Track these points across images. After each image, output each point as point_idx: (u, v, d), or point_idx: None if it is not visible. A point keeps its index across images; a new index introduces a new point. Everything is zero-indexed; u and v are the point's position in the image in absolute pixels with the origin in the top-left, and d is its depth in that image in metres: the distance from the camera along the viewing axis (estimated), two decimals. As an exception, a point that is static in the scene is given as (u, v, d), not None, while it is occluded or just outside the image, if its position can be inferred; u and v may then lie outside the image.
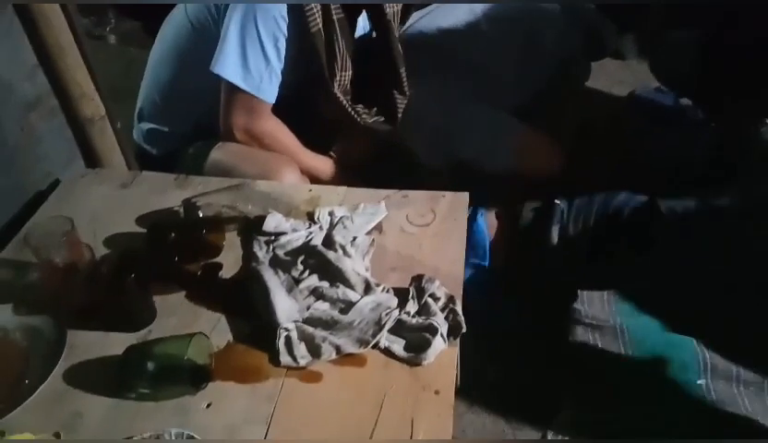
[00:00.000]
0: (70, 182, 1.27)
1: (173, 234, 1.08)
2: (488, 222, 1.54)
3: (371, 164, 1.63)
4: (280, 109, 1.40)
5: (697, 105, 2.09)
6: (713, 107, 1.92)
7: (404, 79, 1.46)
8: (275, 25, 1.27)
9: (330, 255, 1.01)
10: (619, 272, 1.45)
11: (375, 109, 1.49)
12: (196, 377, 0.87)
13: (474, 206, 1.48)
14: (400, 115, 1.51)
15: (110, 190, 1.25)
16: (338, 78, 1.36)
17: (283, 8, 1.27)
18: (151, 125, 1.49)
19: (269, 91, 1.33)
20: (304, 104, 1.45)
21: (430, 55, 1.67)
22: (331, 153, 1.55)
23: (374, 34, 1.46)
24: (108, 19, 2.67)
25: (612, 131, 2.12)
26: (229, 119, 1.34)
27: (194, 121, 1.44)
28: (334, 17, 1.32)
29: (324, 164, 1.50)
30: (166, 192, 1.23)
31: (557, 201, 1.49)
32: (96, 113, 1.31)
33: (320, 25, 1.31)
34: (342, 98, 1.38)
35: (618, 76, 2.46)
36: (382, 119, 1.50)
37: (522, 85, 1.76)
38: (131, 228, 1.15)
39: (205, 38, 1.34)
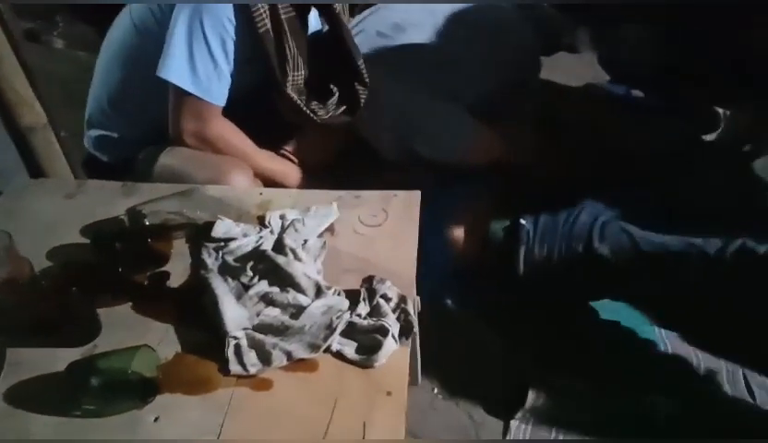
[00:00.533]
0: (13, 193, 1.23)
1: (117, 244, 1.05)
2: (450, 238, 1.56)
3: (329, 162, 1.62)
4: (235, 111, 1.38)
5: (648, 96, 2.14)
6: (663, 98, 1.97)
7: (363, 70, 1.45)
8: (222, 27, 1.25)
9: (280, 259, 0.99)
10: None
11: (334, 104, 1.47)
12: (143, 391, 0.85)
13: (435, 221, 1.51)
14: (361, 107, 1.50)
15: (54, 201, 1.21)
16: (290, 79, 1.35)
17: (230, 10, 1.25)
18: (101, 132, 1.46)
19: (218, 94, 1.31)
20: (260, 105, 1.43)
21: (386, 51, 1.67)
22: (288, 152, 1.53)
23: (325, 29, 1.45)
24: (56, 23, 2.60)
25: (570, 124, 2.15)
26: (178, 124, 1.31)
27: (144, 126, 1.41)
28: (283, 17, 1.31)
29: (280, 165, 1.48)
30: (113, 201, 1.20)
31: (522, 221, 1.50)
32: (38, 122, 1.27)
33: (268, 25, 1.29)
34: (295, 98, 1.36)
35: (573, 69, 2.49)
36: (341, 113, 1.49)
37: (479, 80, 1.77)
38: (76, 239, 1.12)
39: (150, 41, 1.31)
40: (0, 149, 1.27)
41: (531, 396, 1.33)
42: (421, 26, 1.72)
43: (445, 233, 1.58)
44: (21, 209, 1.19)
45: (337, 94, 1.46)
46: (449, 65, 1.71)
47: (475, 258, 1.62)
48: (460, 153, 1.64)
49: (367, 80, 1.47)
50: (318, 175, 1.51)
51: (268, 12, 1.29)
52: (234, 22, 1.28)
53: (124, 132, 1.45)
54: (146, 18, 1.35)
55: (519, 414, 1.30)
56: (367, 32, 1.70)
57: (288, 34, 1.30)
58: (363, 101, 1.49)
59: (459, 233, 1.60)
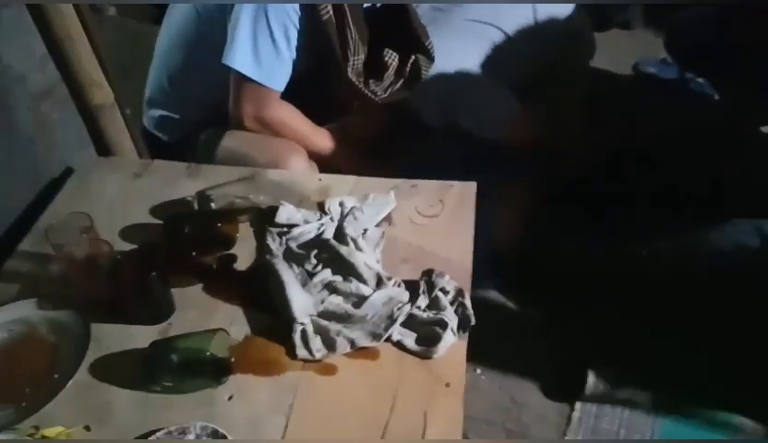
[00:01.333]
0: (83, 171, 1.29)
1: (188, 227, 1.11)
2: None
3: (381, 137, 1.65)
4: (293, 91, 1.41)
5: (705, 80, 2.10)
6: (723, 83, 1.93)
7: (430, 45, 1.48)
8: (286, 16, 1.28)
9: (343, 249, 1.04)
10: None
11: (391, 78, 1.49)
12: (217, 371, 0.91)
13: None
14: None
15: (123, 179, 1.27)
16: (351, 63, 1.37)
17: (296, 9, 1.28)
18: (162, 112, 1.50)
19: (278, 80, 1.34)
20: (318, 85, 1.46)
21: (438, 24, 1.67)
22: (342, 128, 1.55)
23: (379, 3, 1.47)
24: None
25: (616, 103, 2.13)
26: (239, 108, 1.35)
27: (205, 108, 1.45)
28: (345, 4, 1.32)
29: (335, 144, 1.49)
30: (178, 181, 1.25)
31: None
32: (106, 101, 1.32)
33: (331, 12, 1.31)
34: (356, 81, 1.39)
35: (623, 45, 2.45)
36: (400, 87, 1.50)
37: (526, 57, 1.76)
38: (146, 219, 1.18)
39: (212, 26, 1.34)
40: (70, 127, 1.32)
41: (591, 379, 1.36)
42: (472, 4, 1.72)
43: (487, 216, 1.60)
44: (92, 188, 1.25)
45: (394, 67, 1.47)
46: (499, 42, 1.71)
47: (516, 244, 1.65)
48: (501, 129, 1.67)
49: (434, 54, 1.49)
50: (370, 151, 1.55)
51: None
52: (299, 11, 1.30)
53: (185, 113, 1.49)
54: (209, 5, 1.37)
55: (584, 396, 1.35)
56: (422, 7, 1.71)
57: (350, 20, 1.31)
58: (425, 74, 1.50)
59: (502, 216, 1.62)
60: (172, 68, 1.47)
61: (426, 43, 1.48)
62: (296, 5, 1.28)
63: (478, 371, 1.42)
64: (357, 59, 1.37)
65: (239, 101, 1.35)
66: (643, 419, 1.31)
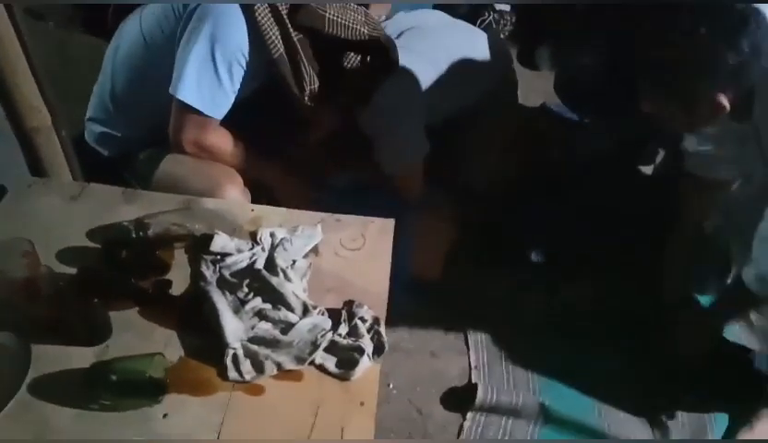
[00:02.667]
0: (18, 191, 1.33)
1: (125, 252, 1.18)
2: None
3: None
4: (251, 107, 1.51)
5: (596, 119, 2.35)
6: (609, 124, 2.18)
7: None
8: (232, 55, 1.38)
9: (273, 280, 1.15)
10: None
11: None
12: (154, 391, 1.00)
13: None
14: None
15: (59, 202, 1.31)
16: (307, 92, 1.49)
17: (243, 39, 1.38)
18: (103, 129, 1.57)
19: (218, 110, 1.44)
20: (275, 103, 1.56)
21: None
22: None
23: None
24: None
25: (526, 138, 2.35)
26: (179, 134, 1.44)
27: (146, 128, 1.52)
28: (295, 39, 1.43)
29: (271, 169, 1.60)
30: (114, 206, 1.31)
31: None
32: (43, 124, 1.36)
33: (282, 50, 1.43)
34: (311, 104, 1.51)
35: (533, 84, 2.68)
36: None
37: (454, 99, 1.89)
38: (83, 242, 1.23)
39: (157, 54, 1.44)
40: (3, 148, 1.35)
41: (480, 391, 1.53)
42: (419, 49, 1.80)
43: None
44: (27, 209, 1.29)
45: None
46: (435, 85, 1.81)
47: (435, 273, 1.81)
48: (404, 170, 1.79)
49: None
50: (305, 174, 1.67)
51: (280, 37, 1.42)
52: (248, 49, 1.40)
53: (126, 132, 1.56)
54: (154, 32, 1.46)
55: (474, 407, 1.51)
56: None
57: (302, 55, 1.43)
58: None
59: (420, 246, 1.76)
60: (116, 91, 1.54)
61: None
62: (243, 45, 1.38)
63: (390, 385, 1.57)
64: (313, 87, 1.48)
65: (180, 127, 1.44)
66: (525, 427, 1.50)
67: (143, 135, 1.53)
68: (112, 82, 1.54)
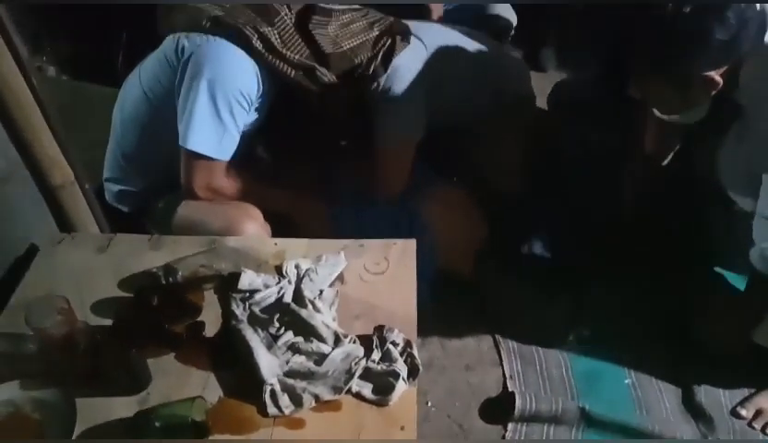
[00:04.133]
0: (47, 248, 1.36)
1: (156, 299, 1.20)
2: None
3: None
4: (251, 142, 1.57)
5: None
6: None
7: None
8: (233, 97, 1.42)
9: (303, 312, 1.16)
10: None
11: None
12: (197, 433, 1.01)
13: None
14: None
15: (87, 254, 1.34)
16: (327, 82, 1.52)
17: (242, 81, 1.42)
18: (120, 187, 1.61)
19: (227, 152, 1.48)
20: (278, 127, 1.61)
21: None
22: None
23: None
24: (43, 46, 2.66)
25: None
26: (191, 181, 1.48)
27: (160, 179, 1.56)
28: (297, 60, 1.49)
29: (282, 197, 1.63)
30: (142, 253, 1.34)
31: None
32: (66, 180, 1.40)
33: (292, 74, 1.48)
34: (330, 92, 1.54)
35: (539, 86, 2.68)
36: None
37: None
38: (115, 292, 1.26)
39: (161, 107, 1.48)
40: (32, 206, 1.39)
41: (518, 402, 1.53)
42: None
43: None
44: (58, 265, 1.32)
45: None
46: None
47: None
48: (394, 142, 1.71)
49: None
50: (318, 192, 1.69)
51: (287, 66, 1.48)
52: (250, 85, 1.45)
53: (141, 186, 1.60)
54: (154, 86, 1.50)
55: (513, 418, 1.51)
56: None
57: (316, 64, 1.49)
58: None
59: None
60: (126, 148, 1.58)
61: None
62: (242, 88, 1.43)
63: (429, 403, 1.57)
64: (331, 79, 1.53)
65: (191, 175, 1.48)
66: (567, 432, 1.50)
67: (158, 185, 1.57)
68: (121, 141, 1.59)
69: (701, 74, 1.25)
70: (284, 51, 1.47)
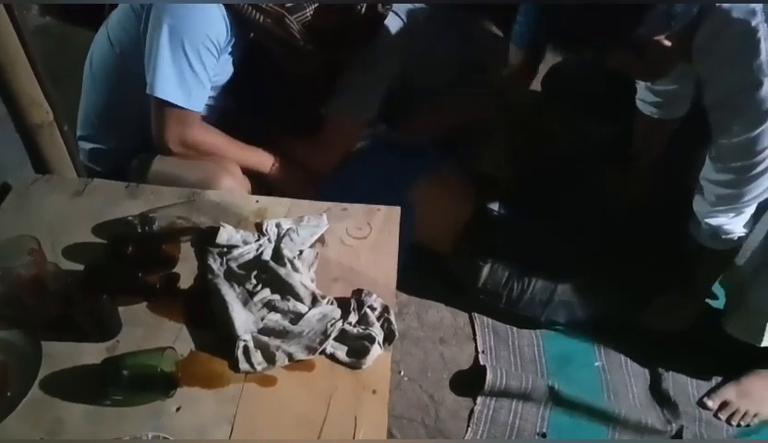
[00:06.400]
0: (22, 188, 1.32)
1: (131, 248, 1.17)
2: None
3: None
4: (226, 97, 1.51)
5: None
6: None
7: None
8: (200, 43, 1.36)
9: (281, 271, 1.14)
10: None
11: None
12: (166, 385, 1.00)
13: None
14: None
15: (63, 198, 1.31)
16: (296, 33, 1.42)
17: (210, 26, 1.37)
18: (93, 145, 1.56)
19: (197, 102, 1.42)
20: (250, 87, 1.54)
21: None
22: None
23: None
24: (27, -15, 2.56)
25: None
26: (162, 133, 1.42)
27: (132, 137, 1.51)
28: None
29: (254, 155, 1.57)
30: (118, 201, 1.31)
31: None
32: (45, 120, 1.35)
33: (261, 18, 1.41)
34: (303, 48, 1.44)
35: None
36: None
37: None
38: (88, 238, 1.23)
39: (127, 59, 1.43)
40: (7, 145, 1.34)
41: (489, 376, 1.53)
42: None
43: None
44: (32, 206, 1.29)
45: None
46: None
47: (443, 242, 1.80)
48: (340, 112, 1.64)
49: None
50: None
51: (255, 10, 1.40)
52: (219, 31, 1.38)
53: (114, 144, 1.55)
54: (121, 37, 1.45)
55: (483, 391, 1.52)
56: None
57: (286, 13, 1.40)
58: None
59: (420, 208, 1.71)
60: (98, 105, 1.53)
61: None
62: (211, 32, 1.37)
63: (402, 373, 1.57)
64: (301, 31, 1.43)
65: (162, 127, 1.42)
66: (535, 410, 1.51)
67: (131, 144, 1.52)
68: (91, 96, 1.54)
69: (650, 40, 1.23)
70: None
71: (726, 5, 1.17)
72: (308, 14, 1.42)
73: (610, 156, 2.05)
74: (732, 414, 1.53)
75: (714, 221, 1.36)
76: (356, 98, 1.60)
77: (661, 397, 1.57)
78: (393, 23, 1.58)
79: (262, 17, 1.41)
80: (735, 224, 1.36)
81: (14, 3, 1.24)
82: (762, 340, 1.47)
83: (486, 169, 1.97)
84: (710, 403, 1.55)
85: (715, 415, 1.54)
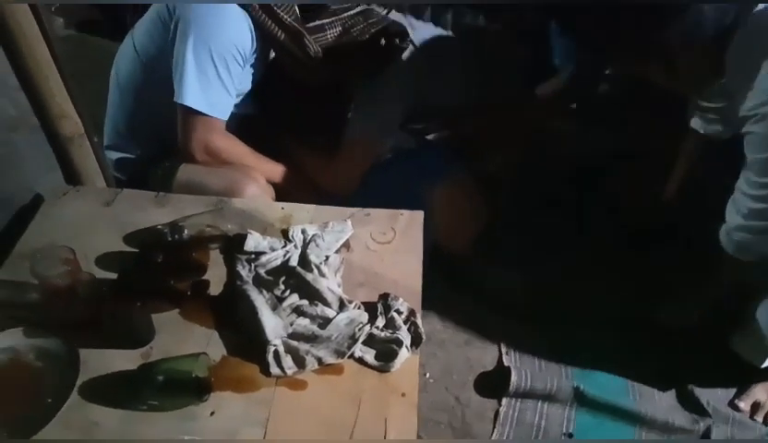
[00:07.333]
0: (53, 200, 1.35)
1: (161, 256, 1.20)
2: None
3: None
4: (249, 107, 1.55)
5: None
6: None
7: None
8: (227, 51, 1.40)
9: (308, 276, 1.16)
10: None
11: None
12: (199, 390, 1.02)
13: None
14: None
15: (93, 208, 1.34)
16: (313, 54, 1.49)
17: (236, 36, 1.41)
18: (120, 155, 1.60)
19: (222, 110, 1.46)
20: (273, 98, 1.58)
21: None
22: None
23: None
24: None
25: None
26: (188, 141, 1.45)
27: (158, 144, 1.55)
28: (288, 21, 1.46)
29: (270, 166, 1.59)
30: (147, 209, 1.34)
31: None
32: (75, 132, 1.38)
33: (282, 37, 1.46)
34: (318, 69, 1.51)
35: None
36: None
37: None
38: (119, 247, 1.26)
39: (155, 69, 1.47)
40: (40, 156, 1.38)
41: (513, 377, 1.54)
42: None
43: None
44: (63, 216, 1.32)
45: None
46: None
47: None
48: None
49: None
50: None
51: (276, 26, 1.45)
52: (245, 41, 1.43)
53: (140, 152, 1.59)
54: (147, 47, 1.49)
55: (508, 393, 1.53)
56: None
57: (304, 32, 1.45)
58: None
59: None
60: (124, 113, 1.57)
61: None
62: (236, 41, 1.40)
63: (427, 375, 1.58)
64: (318, 52, 1.49)
65: (188, 134, 1.45)
66: (561, 410, 1.51)
67: (156, 152, 1.55)
68: (118, 107, 1.58)
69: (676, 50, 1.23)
70: (277, 9, 1.43)
71: (757, 18, 1.16)
72: (329, 37, 1.46)
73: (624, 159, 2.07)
74: (767, 414, 1.52)
75: (744, 235, 1.34)
76: (378, 124, 1.64)
77: (688, 397, 1.56)
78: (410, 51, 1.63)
79: (282, 34, 1.44)
80: (765, 241, 1.32)
81: (40, 2, 1.26)
82: (763, 361, 1.47)
83: (497, 170, 1.98)
84: (741, 405, 1.54)
85: (751, 417, 1.53)
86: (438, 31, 1.76)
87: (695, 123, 1.63)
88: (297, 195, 1.58)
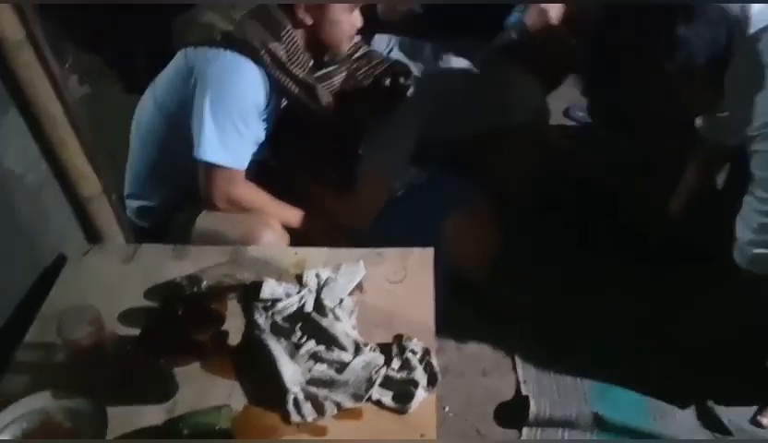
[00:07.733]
0: (76, 259, 1.40)
1: (182, 308, 1.24)
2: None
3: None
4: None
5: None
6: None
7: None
8: (244, 105, 1.46)
9: (324, 321, 1.19)
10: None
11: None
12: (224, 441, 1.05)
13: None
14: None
15: (115, 265, 1.39)
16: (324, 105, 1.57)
17: (251, 90, 1.47)
18: (141, 203, 1.66)
19: (242, 161, 1.52)
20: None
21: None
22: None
23: None
24: (66, 55, 2.71)
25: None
26: (210, 192, 1.52)
27: (179, 192, 1.60)
28: (301, 77, 1.53)
29: (287, 212, 1.64)
30: (166, 263, 1.38)
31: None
32: (94, 192, 1.44)
33: (295, 90, 1.52)
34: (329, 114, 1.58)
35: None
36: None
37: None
38: (140, 302, 1.30)
39: (175, 122, 1.53)
40: (61, 218, 1.44)
41: (533, 406, 1.55)
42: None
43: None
44: (86, 275, 1.37)
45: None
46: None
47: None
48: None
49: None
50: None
51: (290, 81, 1.52)
52: (258, 94, 1.49)
53: (160, 201, 1.65)
54: (168, 101, 1.55)
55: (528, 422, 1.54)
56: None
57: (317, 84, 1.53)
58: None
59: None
60: (144, 164, 1.64)
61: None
62: (252, 93, 1.47)
63: (446, 408, 1.59)
64: (329, 101, 1.57)
65: (210, 186, 1.51)
66: (581, 437, 1.51)
67: (177, 199, 1.61)
68: (139, 157, 1.64)
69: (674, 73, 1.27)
70: (289, 66, 1.51)
71: (753, 44, 1.19)
72: (335, 82, 1.51)
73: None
74: None
75: (756, 249, 1.35)
76: (390, 161, 1.71)
77: (708, 415, 1.56)
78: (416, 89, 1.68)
79: (296, 88, 1.52)
80: None
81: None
82: None
83: (507, 189, 2.00)
84: (765, 421, 1.53)
85: None
86: (443, 64, 1.81)
87: (703, 130, 1.64)
88: (314, 237, 1.62)
